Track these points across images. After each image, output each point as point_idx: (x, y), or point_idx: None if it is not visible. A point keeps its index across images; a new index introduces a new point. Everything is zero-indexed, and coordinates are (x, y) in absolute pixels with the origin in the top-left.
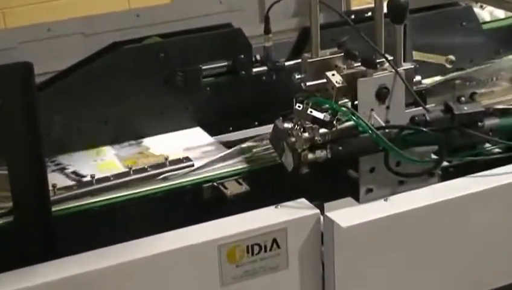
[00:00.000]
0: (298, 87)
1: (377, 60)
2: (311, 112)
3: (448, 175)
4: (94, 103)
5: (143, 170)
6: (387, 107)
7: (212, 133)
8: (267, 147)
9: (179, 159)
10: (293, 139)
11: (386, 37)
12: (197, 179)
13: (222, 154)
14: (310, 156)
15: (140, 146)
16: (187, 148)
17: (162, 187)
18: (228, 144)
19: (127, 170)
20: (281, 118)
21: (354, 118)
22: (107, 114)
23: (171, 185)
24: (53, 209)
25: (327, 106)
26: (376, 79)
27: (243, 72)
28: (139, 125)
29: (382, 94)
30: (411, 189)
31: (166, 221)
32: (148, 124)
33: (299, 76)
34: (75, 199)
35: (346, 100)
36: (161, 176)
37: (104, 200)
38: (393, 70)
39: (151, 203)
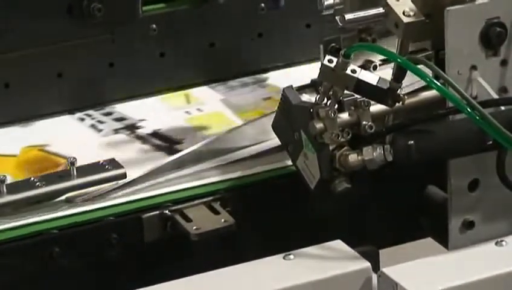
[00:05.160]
0: (328, 24)
1: None
2: (354, 71)
3: None
4: None
5: (23, 185)
6: (504, 63)
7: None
8: (269, 139)
9: (98, 163)
10: (320, 125)
11: None
12: (132, 202)
13: (180, 154)
14: (353, 157)
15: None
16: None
17: (60, 218)
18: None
19: None
20: (292, 85)
21: (438, 83)
22: None
23: (79, 213)
24: None
25: (386, 59)
26: (481, 7)
27: None
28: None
29: (493, 37)
30: None
31: (69, 282)
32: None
33: (331, 1)
34: None
35: (424, 52)
36: (62, 197)
37: None
38: None
39: (43, 247)
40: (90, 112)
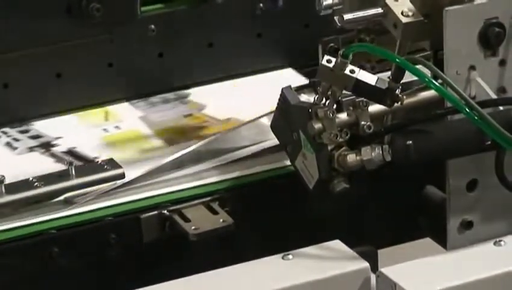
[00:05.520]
0: (328, 24)
1: None
2: (353, 71)
3: None
4: None
5: (22, 185)
6: (502, 63)
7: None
8: (267, 139)
9: (96, 163)
10: (319, 125)
11: None
12: (130, 202)
13: (179, 154)
14: (351, 157)
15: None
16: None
17: (59, 219)
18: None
19: None
20: (290, 85)
21: (437, 83)
22: None
23: (77, 213)
24: None
25: (384, 60)
26: (480, 7)
27: None
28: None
29: (492, 37)
30: None
31: (68, 282)
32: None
33: (330, 1)
34: None
35: (423, 52)
36: (61, 197)
37: None
38: None
39: (42, 247)
40: (7, 129)
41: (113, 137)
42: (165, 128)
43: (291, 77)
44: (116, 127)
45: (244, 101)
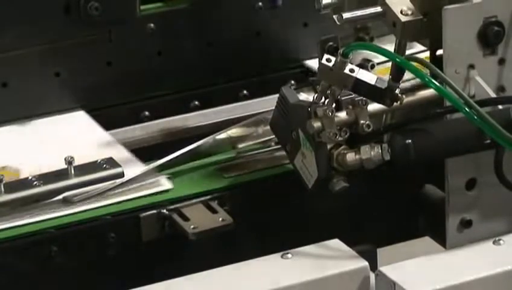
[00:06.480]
0: (326, 24)
1: None
2: (352, 71)
3: None
4: None
5: (24, 184)
6: (501, 62)
7: (156, 114)
8: (267, 138)
9: (95, 162)
10: (318, 124)
11: None
12: (129, 201)
13: (177, 153)
14: (351, 156)
15: None
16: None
17: (58, 218)
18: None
19: None
20: (292, 82)
21: (436, 82)
22: None
23: (76, 213)
24: None
25: (384, 59)
26: (479, 6)
27: None
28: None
29: (491, 36)
30: None
31: (67, 281)
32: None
33: (329, 0)
34: None
35: (421, 50)
36: (60, 196)
37: None
38: None
39: (40, 246)
40: None
41: None
42: None
43: (80, 120)
44: None
45: (24, 147)
